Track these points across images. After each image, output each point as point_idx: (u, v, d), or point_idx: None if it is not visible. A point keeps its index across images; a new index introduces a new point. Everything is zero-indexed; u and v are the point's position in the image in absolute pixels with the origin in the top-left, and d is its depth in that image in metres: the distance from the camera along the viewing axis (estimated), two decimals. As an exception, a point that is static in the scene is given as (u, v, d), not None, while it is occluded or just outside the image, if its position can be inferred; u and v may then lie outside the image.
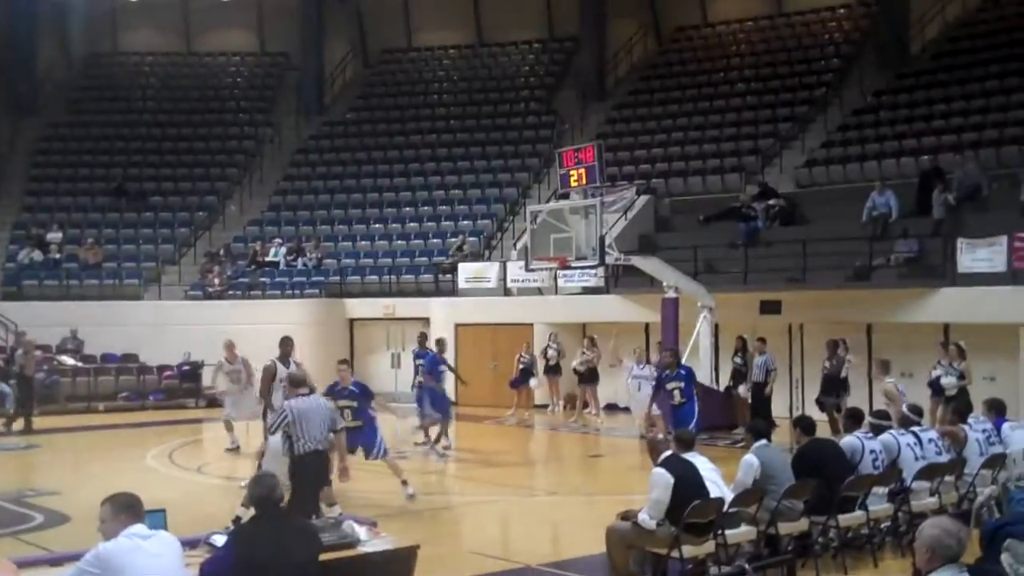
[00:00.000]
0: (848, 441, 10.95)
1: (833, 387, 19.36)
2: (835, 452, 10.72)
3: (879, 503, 10.60)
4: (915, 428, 11.50)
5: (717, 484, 9.46)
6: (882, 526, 10.85)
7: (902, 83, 29.19)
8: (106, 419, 24.62)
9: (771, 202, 25.53)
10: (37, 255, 31.19)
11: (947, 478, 11.21)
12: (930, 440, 11.37)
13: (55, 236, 31.91)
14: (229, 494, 14.34)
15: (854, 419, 11.46)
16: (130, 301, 29.97)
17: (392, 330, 28.99)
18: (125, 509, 6.18)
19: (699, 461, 9.53)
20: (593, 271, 23.66)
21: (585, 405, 23.94)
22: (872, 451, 10.78)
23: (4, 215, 33.75)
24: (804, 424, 10.89)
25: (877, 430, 11.26)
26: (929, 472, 10.91)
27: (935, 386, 18.01)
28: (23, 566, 6.10)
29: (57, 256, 31.34)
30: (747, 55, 34.72)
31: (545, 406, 25.08)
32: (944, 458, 11.31)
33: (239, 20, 41.01)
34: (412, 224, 32.32)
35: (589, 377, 23.75)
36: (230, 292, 29.98)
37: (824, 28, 34.47)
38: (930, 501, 10.94)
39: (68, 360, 27.51)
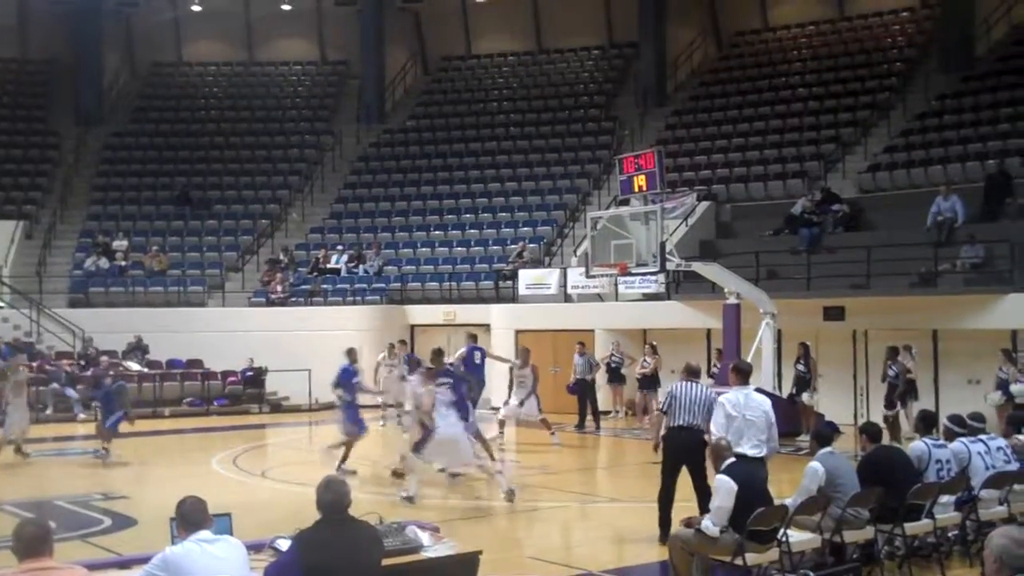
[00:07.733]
0: (916, 446, 10.78)
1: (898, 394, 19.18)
2: (902, 460, 10.57)
3: (946, 512, 10.43)
4: (983, 436, 11.30)
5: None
6: (949, 535, 10.69)
7: (967, 86, 28.78)
8: (171, 424, 24.91)
9: (834, 207, 25.33)
10: (103, 263, 31.65)
11: (1016, 487, 11.01)
12: (999, 448, 11.16)
13: (120, 244, 32.38)
14: (293, 498, 14.43)
15: (926, 423, 11.23)
16: (194, 308, 30.38)
17: (453, 336, 29.03)
18: (180, 519, 6.31)
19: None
20: (654, 277, 23.57)
21: (645, 411, 23.83)
22: (938, 460, 10.60)
23: (71, 223, 34.29)
24: (870, 431, 10.76)
25: (950, 436, 11.09)
26: (998, 480, 10.72)
27: (1004, 388, 17.82)
28: (93, 569, 6.18)
29: (123, 264, 31.80)
30: (808, 59, 34.45)
31: (608, 412, 24.97)
32: (1013, 467, 11.10)
33: (300, 30, 41.40)
34: (472, 231, 32.40)
35: (649, 383, 23.64)
36: (292, 299, 30.25)
37: (887, 31, 34.09)
38: (999, 510, 10.74)
39: (134, 366, 27.84)
